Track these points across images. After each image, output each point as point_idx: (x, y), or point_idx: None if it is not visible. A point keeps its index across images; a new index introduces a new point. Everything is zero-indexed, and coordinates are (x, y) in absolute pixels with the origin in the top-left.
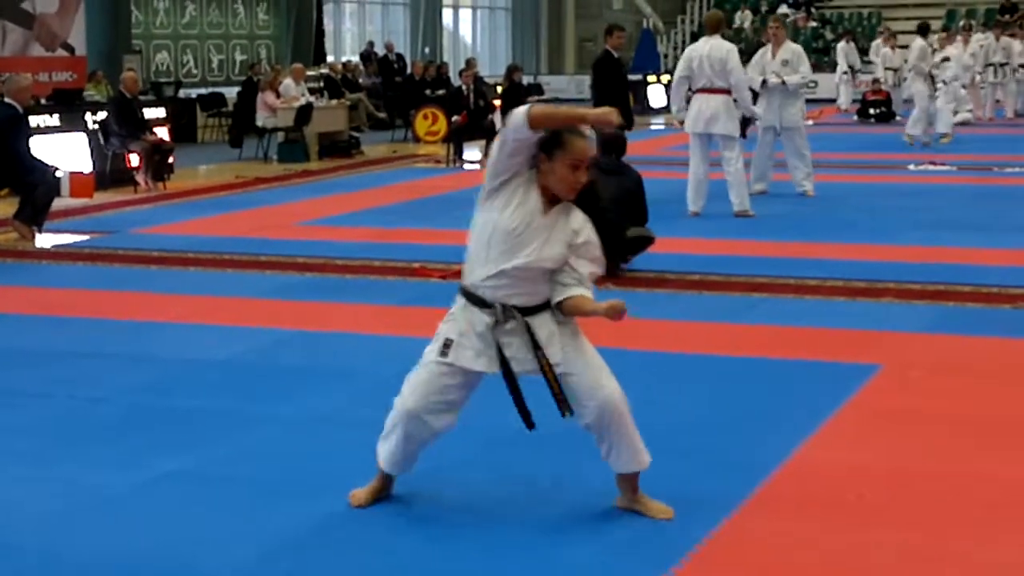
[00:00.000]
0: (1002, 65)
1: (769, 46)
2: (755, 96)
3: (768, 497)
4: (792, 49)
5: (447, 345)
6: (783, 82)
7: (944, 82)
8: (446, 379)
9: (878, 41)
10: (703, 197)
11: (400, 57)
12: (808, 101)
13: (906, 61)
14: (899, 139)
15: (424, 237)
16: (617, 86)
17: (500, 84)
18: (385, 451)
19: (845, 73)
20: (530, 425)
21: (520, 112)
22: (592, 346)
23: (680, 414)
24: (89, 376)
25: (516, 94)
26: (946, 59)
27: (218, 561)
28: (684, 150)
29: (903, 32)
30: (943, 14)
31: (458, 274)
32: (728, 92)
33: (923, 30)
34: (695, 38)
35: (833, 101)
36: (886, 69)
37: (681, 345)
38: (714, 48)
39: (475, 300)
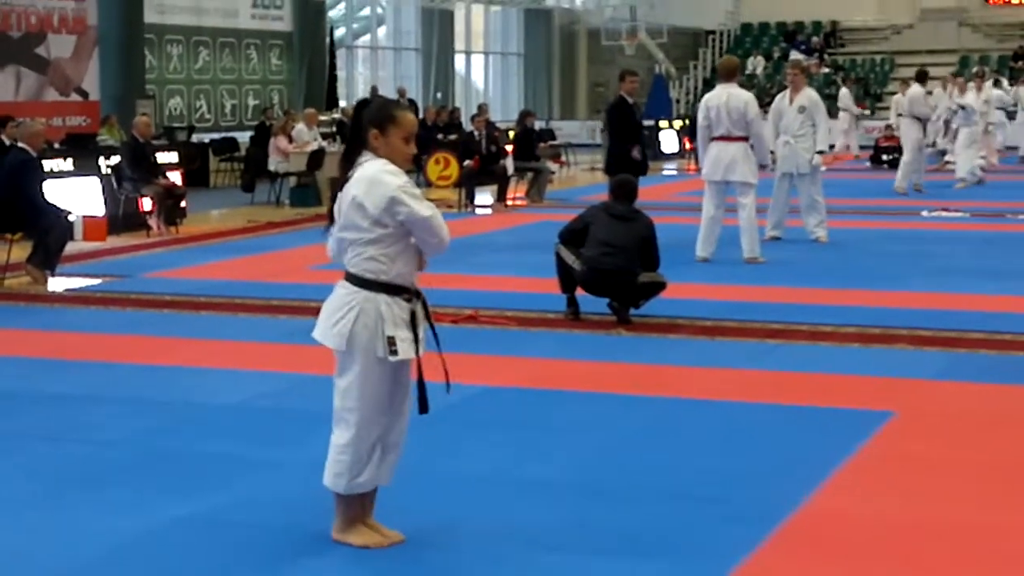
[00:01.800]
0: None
1: (787, 92)
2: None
3: (781, 544)
4: (809, 96)
5: (393, 343)
6: (820, 153)
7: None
8: (391, 375)
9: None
10: (713, 243)
11: (412, 102)
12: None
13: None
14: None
15: (435, 281)
16: (631, 131)
17: (512, 129)
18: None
19: (845, 111)
20: (426, 408)
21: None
22: None
23: (693, 460)
24: (100, 420)
25: (528, 139)
26: (962, 107)
27: None
28: (696, 195)
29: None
30: (956, 60)
31: (471, 318)
32: (745, 139)
33: (921, 77)
34: (707, 83)
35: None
36: (898, 115)
37: (694, 391)
38: (732, 97)
39: (396, 290)
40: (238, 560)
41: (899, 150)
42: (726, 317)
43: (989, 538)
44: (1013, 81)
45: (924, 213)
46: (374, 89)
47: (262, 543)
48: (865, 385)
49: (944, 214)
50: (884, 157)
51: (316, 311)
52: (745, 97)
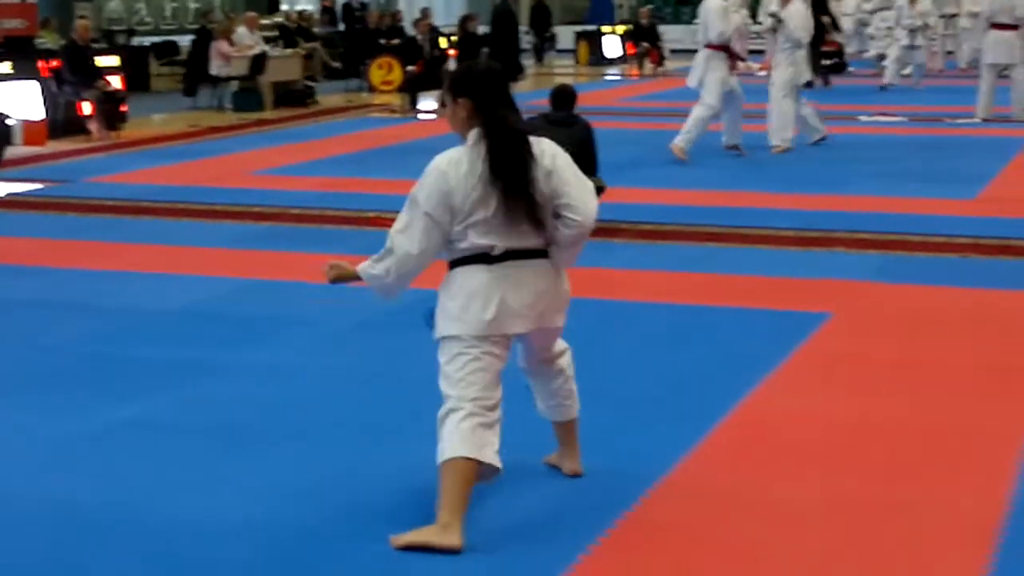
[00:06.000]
0: (952, 16)
1: None
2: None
3: (718, 444)
4: None
5: None
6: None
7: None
8: None
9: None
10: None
11: (364, 6)
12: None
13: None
14: (851, 89)
15: (379, 187)
16: (511, 40)
17: (454, 34)
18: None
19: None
20: None
21: None
22: None
23: (632, 362)
24: (43, 325)
25: (470, 44)
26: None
27: (171, 510)
28: (637, 100)
29: None
30: None
31: None
32: (710, 47)
33: None
34: None
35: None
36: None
37: (633, 294)
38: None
39: None
40: (181, 462)
41: (839, 55)
42: (666, 221)
43: (923, 434)
44: None
45: (862, 118)
46: None
47: (205, 445)
48: (802, 287)
49: (882, 119)
50: (824, 62)
51: (259, 216)
52: (710, 3)
